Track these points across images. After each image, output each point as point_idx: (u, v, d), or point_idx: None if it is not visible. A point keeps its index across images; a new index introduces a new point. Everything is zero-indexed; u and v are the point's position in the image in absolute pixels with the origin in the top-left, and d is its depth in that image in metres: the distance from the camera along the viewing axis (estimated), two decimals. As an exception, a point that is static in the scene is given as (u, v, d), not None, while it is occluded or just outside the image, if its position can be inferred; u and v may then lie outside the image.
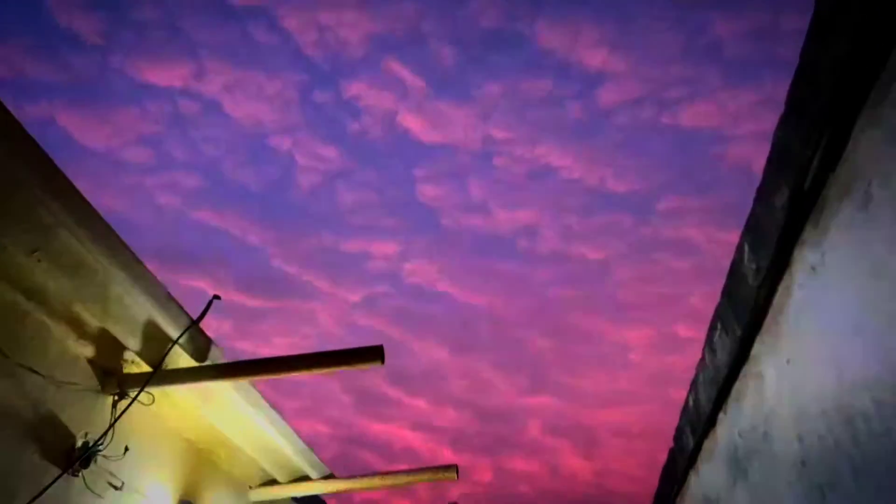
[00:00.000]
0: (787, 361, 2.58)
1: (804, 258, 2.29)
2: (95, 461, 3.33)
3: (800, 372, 2.48)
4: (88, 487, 3.25)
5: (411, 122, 25.40)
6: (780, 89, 2.14)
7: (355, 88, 24.99)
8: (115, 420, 3.24)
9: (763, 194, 2.44)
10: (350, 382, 26.13)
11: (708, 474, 4.08)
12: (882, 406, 1.91)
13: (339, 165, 26.47)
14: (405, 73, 24.31)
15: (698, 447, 4.12)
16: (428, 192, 26.84)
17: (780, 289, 2.53)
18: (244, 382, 4.04)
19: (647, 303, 25.33)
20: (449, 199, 27.05)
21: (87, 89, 22.73)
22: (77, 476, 3.22)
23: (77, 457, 3.17)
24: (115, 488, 3.56)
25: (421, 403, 26.32)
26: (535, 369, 27.07)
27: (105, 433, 3.18)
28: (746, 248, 2.70)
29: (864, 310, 1.94)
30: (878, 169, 1.77)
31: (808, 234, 2.24)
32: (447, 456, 25.93)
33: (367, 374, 26.21)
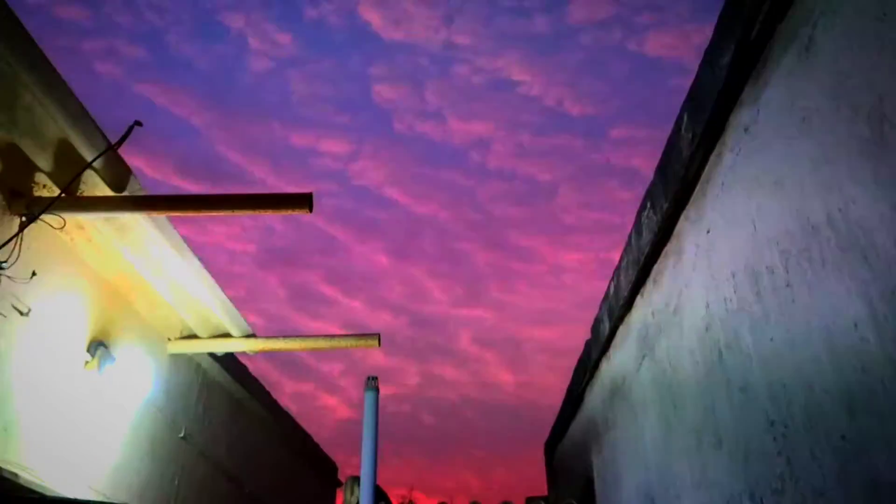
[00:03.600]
0: (708, 231, 2.62)
1: (739, 119, 2.28)
2: (-2, 280, 3.18)
3: (717, 238, 2.52)
4: (-11, 303, 3.12)
5: (372, 15, 24.38)
6: None
7: (315, -29, 23.73)
8: (16, 235, 3.07)
9: (709, 55, 2.40)
10: (287, 277, 26.07)
11: (618, 358, 4.22)
12: (788, 257, 1.96)
13: (292, 53, 25.35)
14: (370, -39, 23.16)
15: (613, 333, 4.24)
16: (383, 92, 26.13)
17: (712, 157, 2.53)
18: (167, 225, 3.90)
19: (588, 228, 25.81)
20: (404, 102, 26.43)
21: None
22: (-23, 292, 3.08)
23: (-25, 268, 3.02)
24: (21, 313, 3.43)
25: (357, 304, 26.55)
26: (472, 282, 27.53)
27: (3, 245, 3.02)
28: (685, 117, 2.67)
29: (787, 161, 1.95)
30: (825, 8, 1.73)
31: (747, 93, 2.21)
32: (378, 357, 26.49)
33: (305, 271, 26.14)
